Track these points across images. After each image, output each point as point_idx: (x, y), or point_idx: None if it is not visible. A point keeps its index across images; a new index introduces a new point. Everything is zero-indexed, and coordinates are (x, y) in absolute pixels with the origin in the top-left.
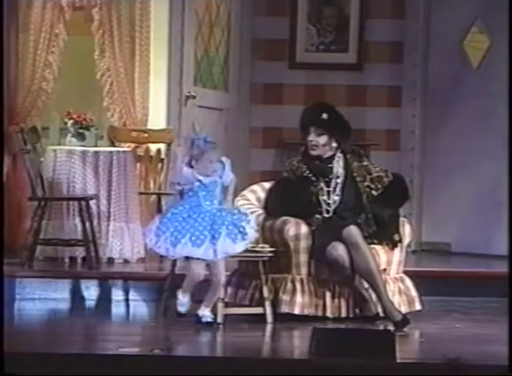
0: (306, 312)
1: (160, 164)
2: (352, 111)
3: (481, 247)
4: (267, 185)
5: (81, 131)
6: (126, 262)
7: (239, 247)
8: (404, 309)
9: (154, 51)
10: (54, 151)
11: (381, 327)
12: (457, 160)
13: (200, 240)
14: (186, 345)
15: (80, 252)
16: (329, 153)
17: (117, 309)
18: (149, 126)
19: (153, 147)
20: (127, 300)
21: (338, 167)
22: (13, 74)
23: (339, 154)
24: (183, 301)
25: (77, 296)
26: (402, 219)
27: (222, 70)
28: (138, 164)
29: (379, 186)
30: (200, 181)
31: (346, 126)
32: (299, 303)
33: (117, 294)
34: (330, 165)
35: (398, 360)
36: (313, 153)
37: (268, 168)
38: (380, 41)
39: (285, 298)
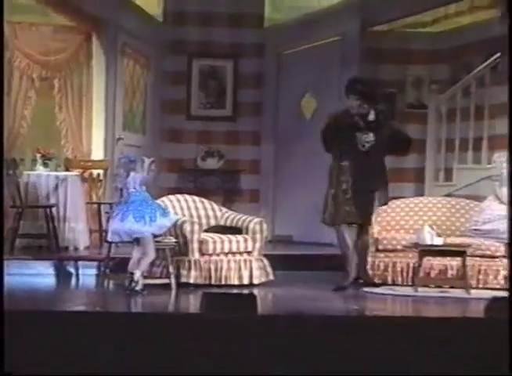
0: (198, 281)
1: (99, 183)
2: (229, 148)
3: (314, 237)
4: (172, 197)
5: (46, 161)
6: (76, 249)
7: (141, 227)
8: (263, 279)
9: (95, 107)
10: (28, 175)
11: (247, 291)
12: (298, 181)
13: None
14: (118, 305)
15: (45, 243)
16: None
17: (71, 281)
18: (92, 157)
19: (95, 172)
20: (77, 275)
21: None
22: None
23: None
24: (138, 279)
25: (43, 272)
26: (260, 219)
27: (141, 120)
28: (85, 184)
29: None
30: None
31: None
32: (193, 276)
33: (71, 271)
34: None
35: (259, 314)
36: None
37: (172, 186)
38: (247, 101)
39: (184, 272)
